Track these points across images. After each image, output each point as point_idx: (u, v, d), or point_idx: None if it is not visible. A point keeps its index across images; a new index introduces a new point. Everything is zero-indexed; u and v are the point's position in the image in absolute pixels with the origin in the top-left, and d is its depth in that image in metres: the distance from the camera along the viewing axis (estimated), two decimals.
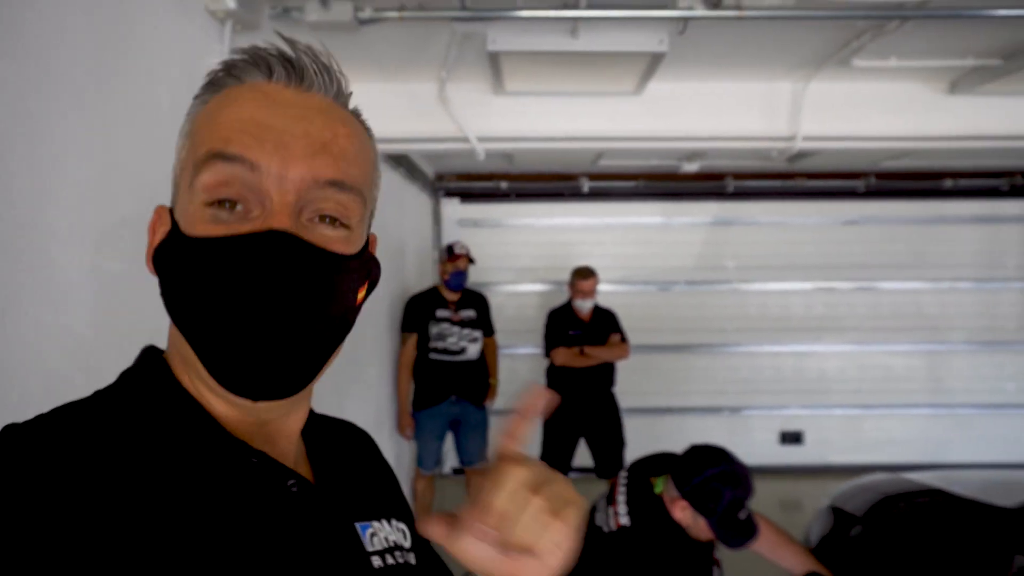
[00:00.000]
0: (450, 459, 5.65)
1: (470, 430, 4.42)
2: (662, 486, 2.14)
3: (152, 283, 1.59)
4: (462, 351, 4.32)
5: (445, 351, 4.30)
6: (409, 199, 5.03)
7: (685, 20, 2.45)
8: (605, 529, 2.14)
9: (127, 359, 1.53)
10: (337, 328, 0.62)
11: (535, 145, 3.44)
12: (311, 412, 0.74)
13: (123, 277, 1.54)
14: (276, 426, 0.67)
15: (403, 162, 4.24)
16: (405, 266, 4.93)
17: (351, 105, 0.68)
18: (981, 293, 6.11)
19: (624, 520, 2.11)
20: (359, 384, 3.61)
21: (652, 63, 2.89)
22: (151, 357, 0.68)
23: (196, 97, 0.65)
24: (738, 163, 5.40)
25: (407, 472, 4.95)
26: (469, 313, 4.38)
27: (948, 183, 5.88)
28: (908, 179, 5.89)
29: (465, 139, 3.32)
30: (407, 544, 0.75)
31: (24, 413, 1.23)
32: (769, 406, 6.13)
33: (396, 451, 4.63)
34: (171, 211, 0.64)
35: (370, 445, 0.87)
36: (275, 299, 0.57)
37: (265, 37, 2.32)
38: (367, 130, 0.69)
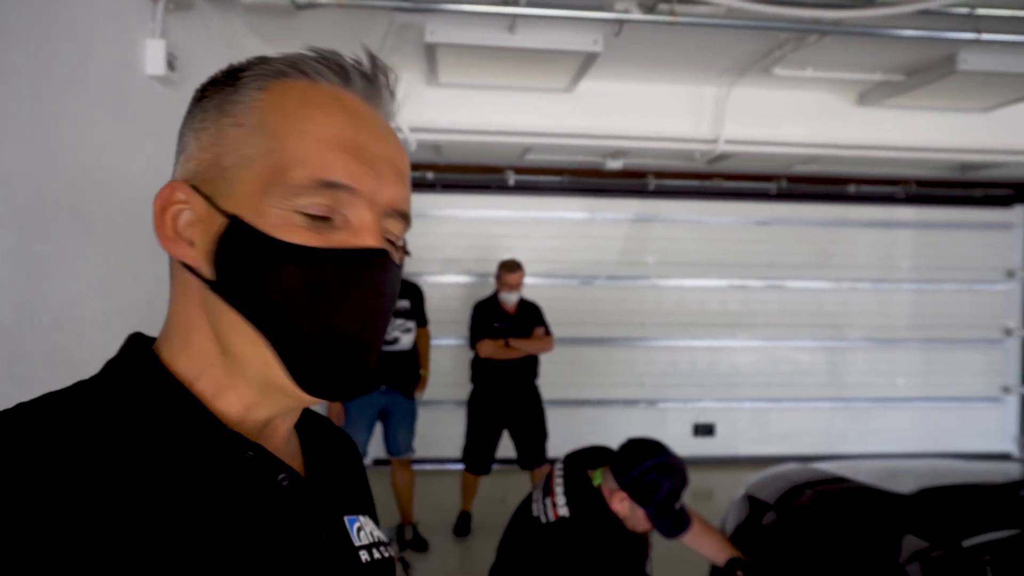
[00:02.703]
0: (373, 450, 5.61)
1: (398, 420, 4.39)
2: (600, 478, 2.19)
3: (74, 266, 1.53)
4: (395, 341, 4.29)
5: None
6: None
7: (621, 22, 2.52)
8: (543, 520, 2.17)
9: (52, 345, 1.48)
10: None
11: (466, 138, 3.46)
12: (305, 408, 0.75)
13: (50, 259, 1.48)
14: (284, 421, 0.67)
15: None
16: None
17: None
18: (877, 293, 6.52)
19: (563, 511, 2.15)
20: None
21: (586, 62, 2.96)
22: (138, 346, 0.64)
23: (244, 77, 0.61)
24: (660, 162, 5.56)
25: None
26: (403, 303, 4.34)
27: (852, 188, 6.24)
28: (816, 183, 6.22)
29: (397, 128, 3.30)
30: (386, 539, 0.77)
31: None
32: (684, 399, 6.36)
33: None
34: (216, 206, 0.59)
35: (348, 443, 0.87)
36: (373, 312, 0.60)
37: (198, 18, 2.25)
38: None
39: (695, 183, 6.08)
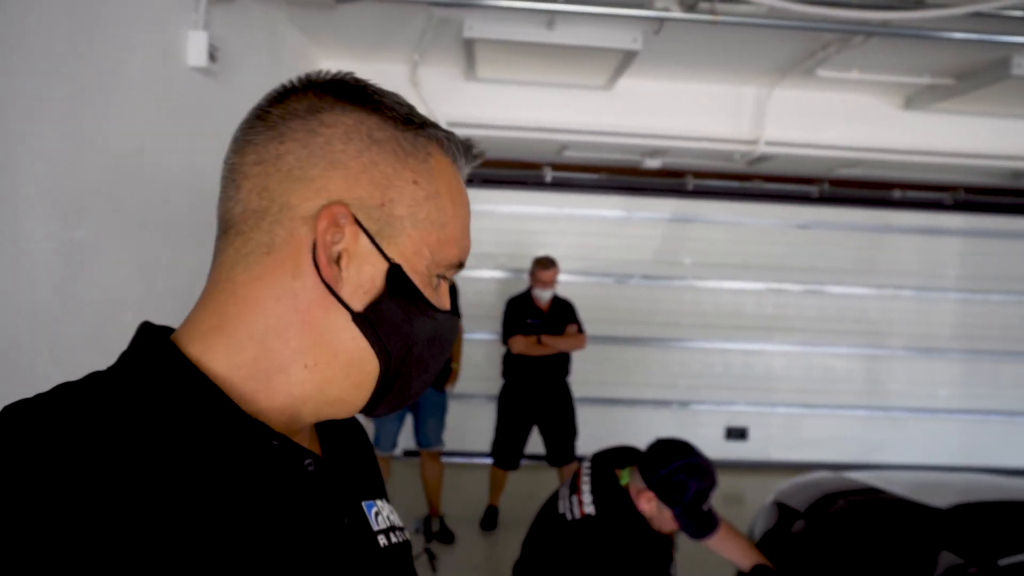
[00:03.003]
0: (405, 442, 5.66)
1: (428, 413, 4.43)
2: (628, 478, 2.19)
3: (110, 253, 1.57)
4: None
5: None
6: None
7: (661, 20, 2.50)
8: (569, 517, 2.18)
9: (91, 327, 1.52)
10: None
11: (504, 133, 3.46)
12: None
13: (89, 245, 1.52)
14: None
15: None
16: None
17: None
18: (920, 301, 6.36)
19: (589, 509, 2.14)
20: None
21: (625, 60, 2.94)
22: (152, 335, 0.64)
23: (417, 132, 0.64)
24: (698, 162, 5.49)
25: None
26: None
27: (897, 194, 6.09)
28: (859, 187, 6.09)
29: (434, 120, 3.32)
30: (400, 524, 0.77)
31: None
32: (717, 401, 6.29)
33: None
34: (383, 254, 0.63)
35: (358, 429, 0.87)
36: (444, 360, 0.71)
37: (240, 10, 2.29)
38: None
39: (735, 184, 6.00)
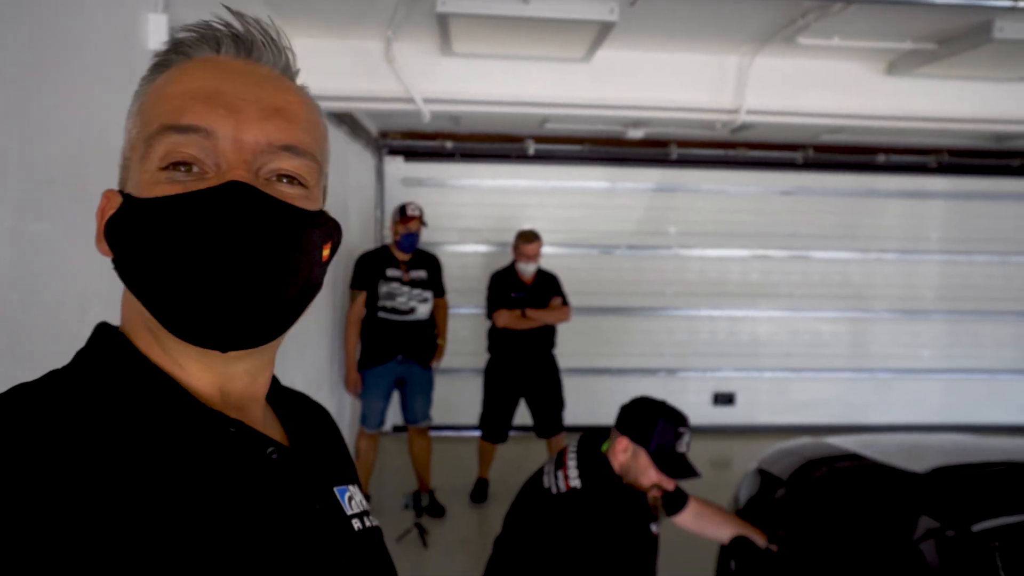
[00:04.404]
0: (391, 418, 5.68)
1: (415, 389, 4.43)
2: (608, 444, 2.24)
3: (74, 245, 1.53)
4: (411, 311, 4.30)
5: (394, 310, 4.28)
6: (352, 157, 4.93)
7: None
8: (554, 491, 2.19)
9: (54, 322, 1.49)
10: (304, 280, 0.62)
11: (481, 108, 3.41)
12: (274, 379, 0.74)
13: (50, 238, 1.49)
14: (246, 391, 0.66)
15: (346, 120, 4.15)
16: (348, 224, 4.86)
17: (299, 82, 0.68)
18: (904, 264, 6.39)
19: (575, 483, 2.16)
20: (297, 341, 3.58)
21: (602, 31, 2.89)
22: (108, 333, 0.65)
23: (143, 78, 0.64)
24: (682, 131, 5.46)
25: (349, 430, 4.96)
26: (420, 274, 4.35)
27: (881, 158, 6.08)
28: (843, 153, 6.08)
29: (411, 99, 3.26)
30: (369, 508, 0.77)
31: None
32: (704, 368, 6.34)
33: (338, 409, 4.63)
34: (120, 192, 0.63)
35: (326, 415, 0.87)
36: (238, 247, 0.56)
37: None
38: (317, 106, 0.69)
39: (719, 152, 5.97)
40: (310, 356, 3.89)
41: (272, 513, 0.60)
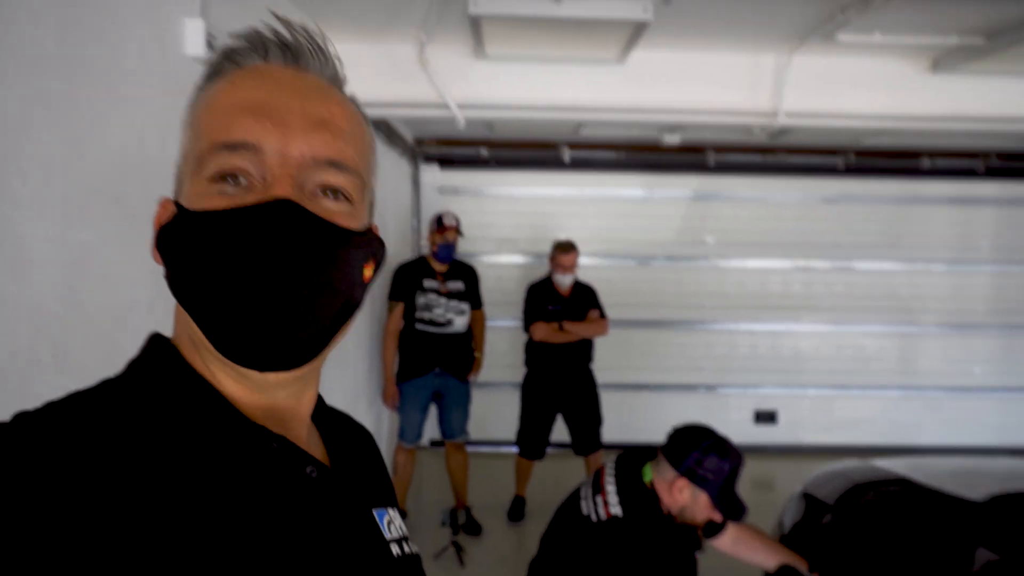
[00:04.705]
0: (430, 431, 5.64)
1: (452, 403, 4.38)
2: (651, 473, 2.12)
3: (116, 254, 1.54)
4: (448, 323, 4.27)
5: (431, 322, 4.25)
6: (388, 164, 4.95)
7: None
8: (594, 518, 2.10)
9: (96, 331, 1.48)
10: (343, 300, 0.62)
11: (516, 114, 3.40)
12: (319, 397, 0.74)
13: (93, 247, 1.49)
14: (289, 409, 0.66)
15: (381, 127, 4.17)
16: (384, 234, 4.84)
17: (347, 92, 0.69)
18: (953, 276, 6.17)
19: (616, 510, 2.07)
20: (334, 353, 3.56)
21: (636, 32, 2.85)
22: (159, 344, 0.65)
23: (197, 86, 0.66)
24: (719, 137, 5.37)
25: (387, 444, 4.93)
26: (457, 285, 4.32)
27: (926, 162, 5.91)
28: (887, 157, 5.91)
29: (445, 105, 3.26)
30: (408, 534, 0.76)
31: None
32: (744, 384, 6.17)
33: (376, 422, 4.61)
34: (175, 202, 0.63)
35: (369, 438, 0.87)
36: (280, 266, 0.56)
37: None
38: (364, 116, 0.69)
39: (757, 158, 5.86)
40: (348, 368, 3.88)
41: (309, 532, 0.60)
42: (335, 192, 0.61)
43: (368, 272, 0.65)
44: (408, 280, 4.28)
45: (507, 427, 4.90)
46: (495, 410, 5.71)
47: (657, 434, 2.16)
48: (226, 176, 0.59)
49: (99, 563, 0.48)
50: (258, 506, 0.57)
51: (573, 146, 5.78)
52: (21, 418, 0.54)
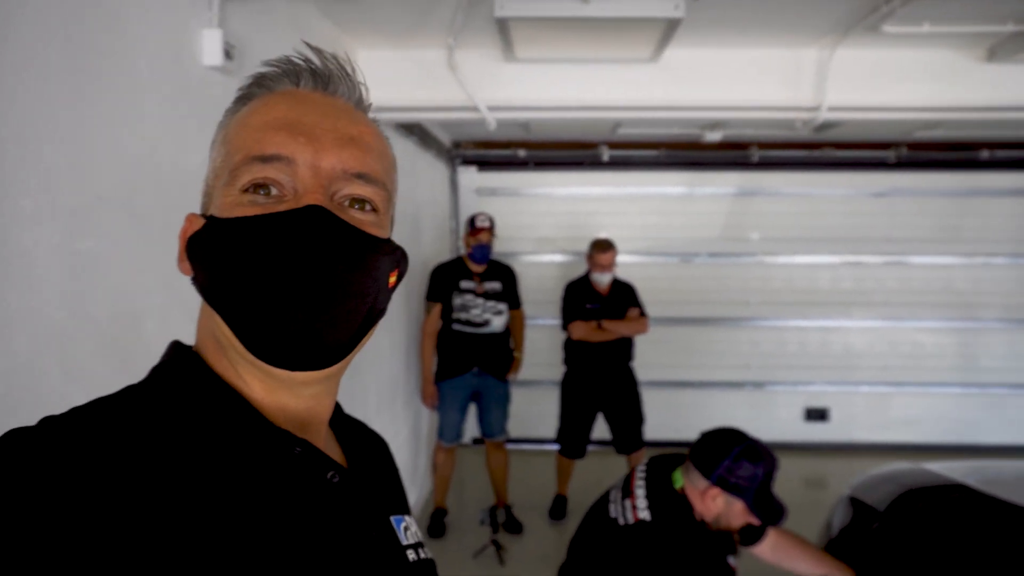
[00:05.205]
0: (472, 430, 5.66)
1: (491, 403, 4.39)
2: (682, 480, 2.06)
3: (126, 262, 1.55)
4: (485, 323, 4.27)
5: (468, 323, 4.26)
6: (423, 167, 4.95)
7: None
8: (621, 522, 2.06)
9: (107, 338, 1.49)
10: (371, 305, 0.64)
11: (548, 115, 3.34)
12: (337, 405, 0.77)
13: (102, 255, 1.50)
14: (311, 414, 0.68)
15: (415, 130, 4.16)
16: (421, 235, 4.88)
17: (371, 116, 0.73)
18: (1015, 268, 5.90)
19: (644, 514, 2.02)
20: (370, 354, 3.59)
21: (668, 29, 2.77)
22: (181, 351, 0.68)
23: (228, 110, 0.70)
24: (763, 132, 5.22)
25: (427, 443, 4.96)
26: (494, 285, 4.32)
27: (984, 154, 5.64)
28: (942, 150, 5.66)
29: (475, 108, 3.23)
30: (423, 540, 0.79)
31: None
32: (794, 382, 6.02)
33: (414, 422, 4.63)
34: (203, 215, 0.66)
35: (384, 445, 0.90)
36: (313, 268, 0.59)
37: (266, 4, 2.26)
38: (386, 138, 0.73)
39: (803, 154, 5.69)
40: (385, 369, 3.90)
41: (329, 536, 0.62)
42: (362, 204, 0.65)
43: (392, 279, 0.68)
44: (445, 281, 4.29)
45: (549, 425, 4.88)
46: (537, 408, 5.70)
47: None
48: (258, 187, 0.61)
49: (124, 565, 0.49)
50: (280, 509, 0.59)
51: (612, 145, 5.69)
52: (47, 422, 0.55)
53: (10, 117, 1.26)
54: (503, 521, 4.46)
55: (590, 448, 4.64)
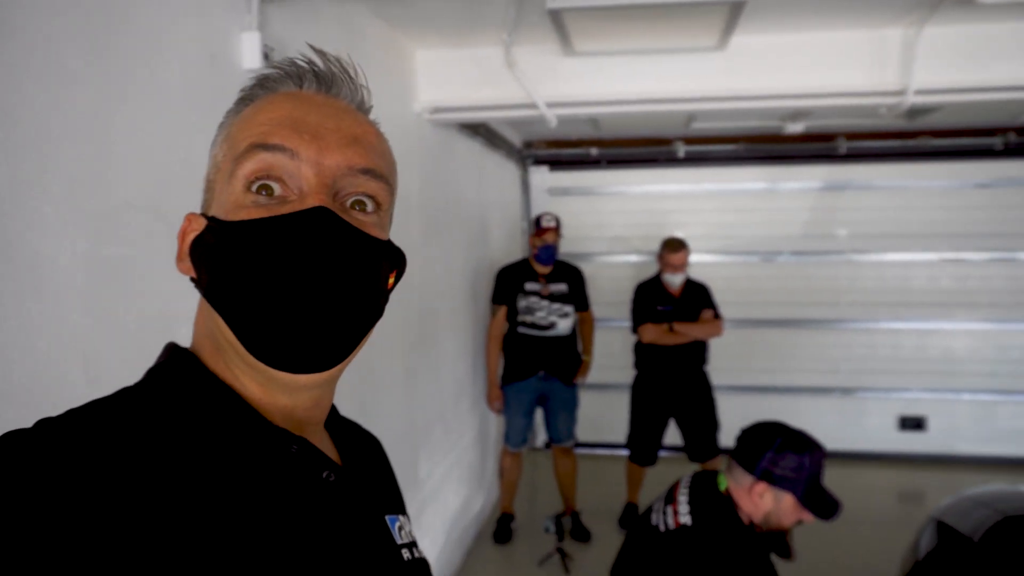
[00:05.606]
0: (542, 434, 5.58)
1: (558, 407, 4.30)
2: (726, 481, 1.98)
3: (157, 267, 1.55)
4: (551, 326, 4.18)
5: (533, 325, 4.18)
6: (491, 168, 4.90)
7: None
8: (661, 528, 1.99)
9: (136, 344, 1.48)
10: (371, 307, 0.64)
11: (610, 109, 3.21)
12: (333, 406, 0.77)
13: (129, 261, 1.50)
14: (307, 414, 0.69)
15: (481, 131, 4.11)
16: (488, 237, 4.83)
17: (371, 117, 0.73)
18: None
19: (685, 519, 1.95)
20: (430, 357, 3.56)
21: (732, 13, 2.60)
22: (177, 352, 0.68)
23: (229, 111, 0.70)
24: (851, 122, 4.90)
25: (494, 447, 4.91)
26: (560, 287, 4.22)
27: None
28: None
29: (534, 105, 3.14)
30: (415, 539, 0.79)
31: (7, 404, 1.20)
32: (887, 388, 5.64)
33: (480, 426, 4.59)
34: (204, 215, 0.67)
35: (378, 446, 0.90)
36: (316, 272, 0.59)
37: (311, 6, 2.24)
38: (387, 140, 0.73)
39: (896, 144, 5.31)
40: (447, 372, 3.87)
41: (325, 534, 0.62)
42: (363, 205, 0.65)
43: (391, 281, 0.69)
44: (510, 283, 4.22)
45: (623, 430, 4.73)
46: (610, 412, 5.55)
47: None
48: (261, 184, 0.61)
49: (120, 565, 0.49)
50: (276, 508, 0.59)
51: (688, 140, 5.48)
52: (43, 424, 0.55)
53: (29, 123, 1.26)
54: (570, 529, 4.35)
55: (663, 455, 4.48)
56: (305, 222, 0.59)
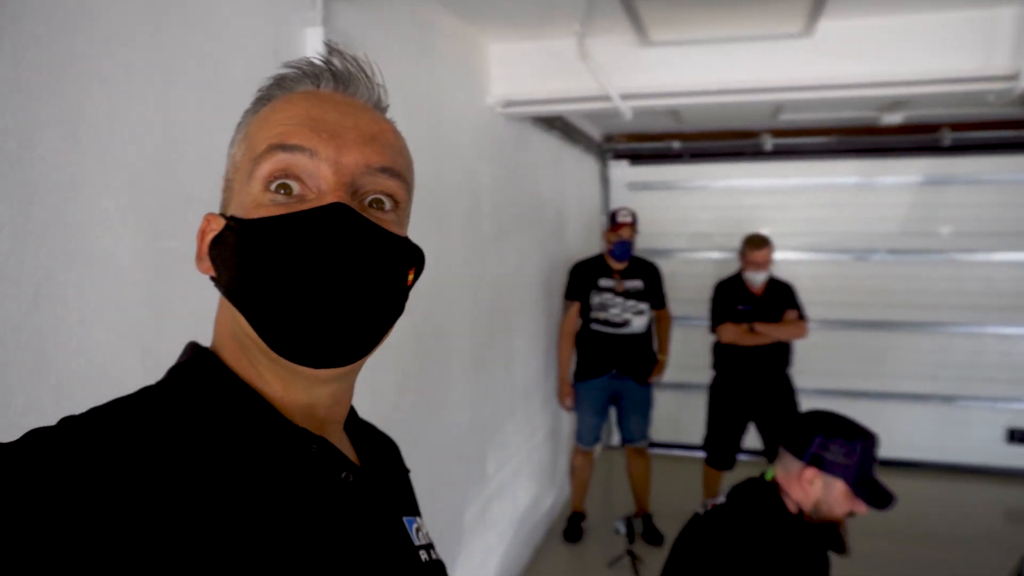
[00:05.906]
0: (617, 432, 5.49)
1: (631, 407, 4.21)
2: (773, 472, 1.95)
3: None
4: (625, 324, 4.10)
5: (606, 322, 4.11)
6: (569, 162, 4.83)
7: None
8: (700, 511, 2.02)
9: (186, 338, 1.50)
10: (390, 302, 0.65)
11: (688, 100, 3.10)
12: (352, 408, 0.78)
13: (182, 256, 1.53)
14: (328, 414, 0.69)
15: (557, 124, 4.05)
16: (565, 232, 4.76)
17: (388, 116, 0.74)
18: None
19: (720, 499, 1.97)
20: (502, 352, 3.53)
21: None
22: (198, 350, 0.69)
23: (246, 111, 0.71)
24: (956, 112, 4.57)
25: (566, 445, 4.85)
26: (635, 284, 4.13)
27: None
28: None
29: (607, 97, 3.06)
30: (432, 541, 0.80)
31: (63, 396, 1.24)
32: (994, 397, 5.24)
33: (552, 423, 4.54)
34: (223, 215, 0.68)
35: (395, 448, 0.91)
36: (336, 267, 0.59)
37: (380, 2, 2.25)
38: (404, 138, 0.74)
39: (1007, 134, 4.91)
40: (519, 368, 3.84)
41: (344, 534, 0.63)
42: (380, 203, 0.65)
43: (410, 278, 0.68)
44: (583, 279, 4.15)
45: (701, 431, 4.60)
46: (689, 412, 5.40)
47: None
48: (280, 183, 0.62)
49: (141, 563, 0.49)
50: (295, 507, 0.60)
51: (776, 133, 5.25)
52: (67, 422, 0.56)
53: (93, 120, 1.29)
54: (641, 531, 4.25)
55: (742, 458, 4.31)
56: (324, 217, 0.60)
